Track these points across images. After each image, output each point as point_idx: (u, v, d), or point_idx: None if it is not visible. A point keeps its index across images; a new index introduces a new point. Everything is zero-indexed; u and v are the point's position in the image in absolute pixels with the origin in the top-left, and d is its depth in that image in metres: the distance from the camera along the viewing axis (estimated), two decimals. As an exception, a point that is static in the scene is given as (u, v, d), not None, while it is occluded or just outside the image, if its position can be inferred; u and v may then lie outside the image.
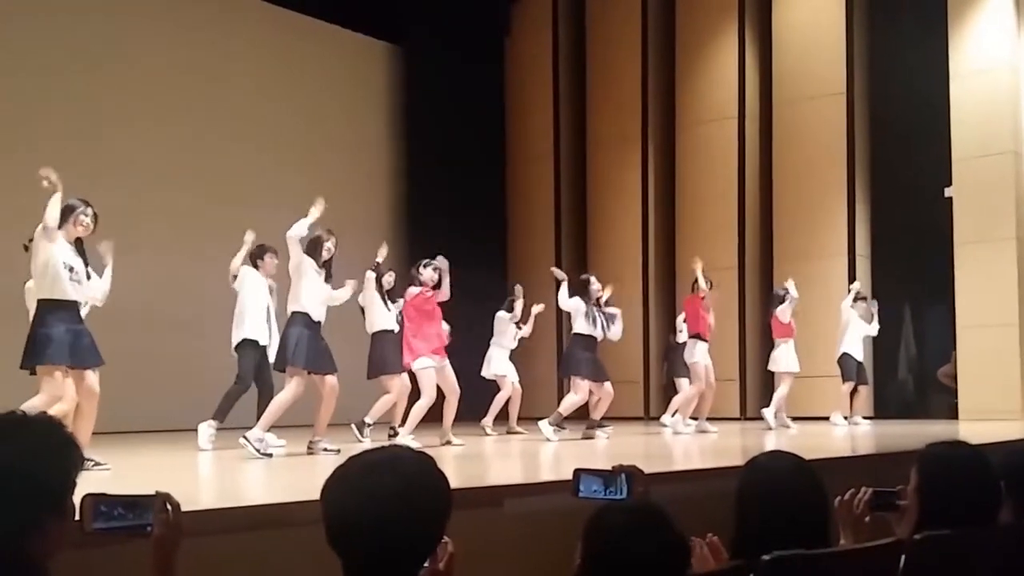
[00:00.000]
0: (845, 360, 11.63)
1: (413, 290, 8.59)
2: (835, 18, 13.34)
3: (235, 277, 8.37)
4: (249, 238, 8.43)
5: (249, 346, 8.29)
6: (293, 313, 7.42)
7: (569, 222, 15.13)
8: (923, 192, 12.85)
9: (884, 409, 13.13)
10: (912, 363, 13.97)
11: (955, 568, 2.65)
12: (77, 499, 1.97)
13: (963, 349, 12.16)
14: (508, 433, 10.36)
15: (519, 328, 10.98)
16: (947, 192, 12.37)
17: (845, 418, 11.54)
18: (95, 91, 11.24)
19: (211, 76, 12.30)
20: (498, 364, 10.77)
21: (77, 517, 2.05)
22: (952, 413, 12.19)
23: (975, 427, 9.99)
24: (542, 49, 15.28)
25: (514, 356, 11.07)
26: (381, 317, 9.12)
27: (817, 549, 2.43)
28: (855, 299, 11.83)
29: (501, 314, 10.87)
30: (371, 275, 9.02)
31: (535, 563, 3.72)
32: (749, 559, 2.36)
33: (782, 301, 11.28)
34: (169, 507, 2.22)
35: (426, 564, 1.97)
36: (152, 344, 10.75)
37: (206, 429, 7.94)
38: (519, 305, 10.84)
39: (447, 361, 8.65)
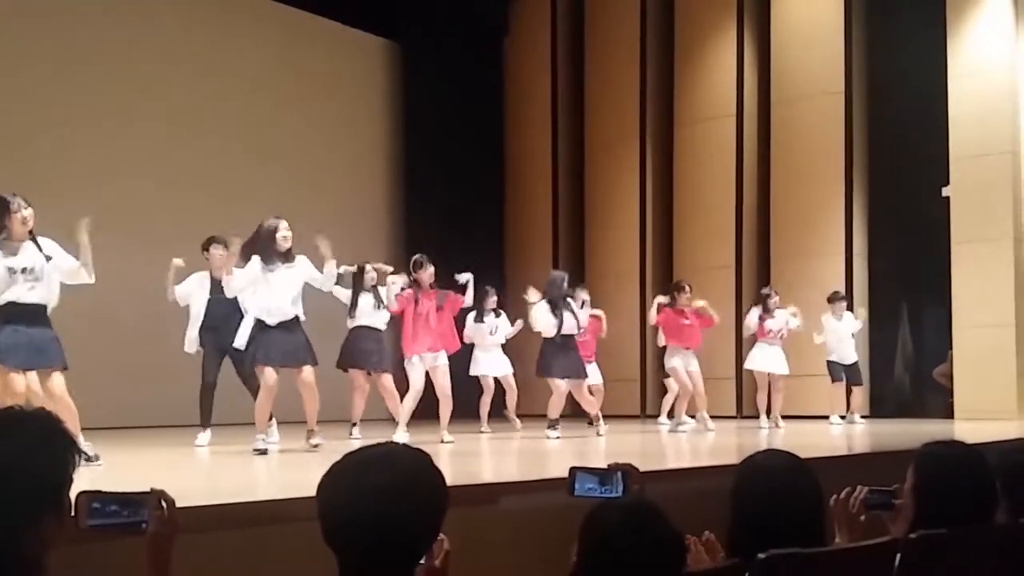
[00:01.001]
0: (829, 365, 11.70)
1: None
2: (834, 17, 13.33)
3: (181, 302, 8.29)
4: (176, 262, 8.15)
5: (203, 355, 8.30)
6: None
7: (567, 221, 15.13)
8: (921, 191, 12.84)
9: (880, 408, 13.14)
10: (908, 362, 13.97)
11: (950, 567, 2.65)
12: (72, 496, 1.97)
13: (959, 349, 12.17)
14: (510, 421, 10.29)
15: (481, 321, 10.72)
16: (944, 192, 12.36)
17: (842, 417, 11.56)
18: (92, 88, 11.22)
19: (207, 72, 12.28)
20: (473, 365, 10.76)
21: (72, 514, 2.04)
22: (948, 412, 12.20)
23: (971, 426, 10.00)
24: (540, 47, 15.27)
25: (509, 352, 11.04)
26: (354, 314, 9.21)
27: (812, 548, 2.43)
28: (832, 299, 11.80)
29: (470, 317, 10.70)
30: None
31: (531, 560, 3.72)
32: (745, 557, 2.37)
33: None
34: (164, 504, 2.22)
35: (422, 561, 1.97)
36: (149, 340, 10.72)
37: (201, 435, 8.02)
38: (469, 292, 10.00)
39: (441, 360, 8.60)
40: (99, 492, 2.19)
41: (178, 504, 2.25)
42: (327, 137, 13.65)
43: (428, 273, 8.64)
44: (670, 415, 11.18)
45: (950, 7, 12.38)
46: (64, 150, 10.84)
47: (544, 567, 2.71)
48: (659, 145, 14.56)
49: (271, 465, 6.65)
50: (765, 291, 11.62)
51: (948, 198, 12.31)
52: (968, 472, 2.79)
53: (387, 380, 8.95)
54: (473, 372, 10.78)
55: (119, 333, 10.53)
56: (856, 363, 11.82)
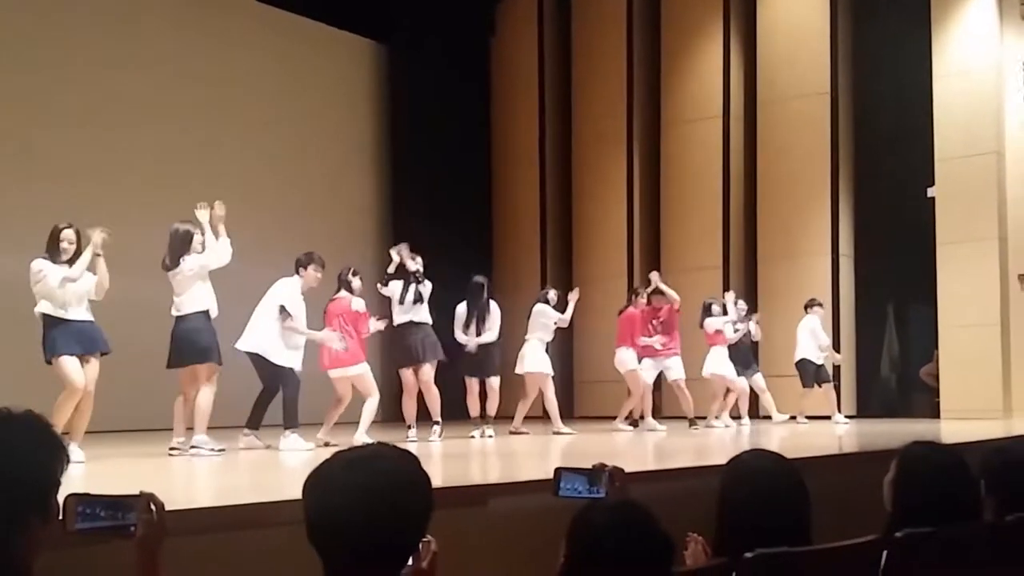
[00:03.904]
0: (803, 365, 11.80)
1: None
2: (820, 18, 13.38)
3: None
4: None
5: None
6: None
7: (554, 221, 15.13)
8: (906, 192, 12.89)
9: (866, 408, 13.19)
10: (895, 362, 14.03)
11: (936, 565, 2.67)
12: (61, 498, 1.96)
13: (945, 349, 12.22)
14: (554, 433, 10.07)
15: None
16: (930, 192, 12.41)
17: (808, 417, 11.70)
18: (83, 88, 11.19)
19: (196, 73, 12.23)
20: (537, 361, 10.31)
21: (60, 517, 2.04)
22: (934, 412, 12.25)
23: (957, 426, 10.05)
24: (527, 48, 15.27)
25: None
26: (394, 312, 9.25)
27: (799, 547, 2.44)
28: (809, 305, 11.94)
29: (542, 307, 10.43)
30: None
31: (519, 562, 3.72)
32: (732, 557, 2.38)
33: (708, 313, 11.50)
34: (153, 507, 2.21)
35: (409, 563, 1.97)
36: (150, 344, 10.67)
37: (291, 439, 7.93)
38: (554, 294, 10.59)
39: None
40: (87, 495, 2.18)
41: (167, 507, 2.25)
42: (315, 137, 13.63)
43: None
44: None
45: (935, 8, 12.44)
46: (57, 152, 10.81)
47: (532, 568, 2.72)
48: (646, 146, 14.58)
49: (259, 468, 6.65)
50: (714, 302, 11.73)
51: (933, 199, 12.36)
52: (948, 473, 2.81)
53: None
54: (528, 369, 10.40)
55: (118, 336, 10.47)
56: (822, 365, 11.94)
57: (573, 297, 10.62)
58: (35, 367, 6.92)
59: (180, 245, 7.52)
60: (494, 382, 10.00)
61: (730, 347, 11.60)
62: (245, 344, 8.15)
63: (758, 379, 11.88)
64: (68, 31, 11.22)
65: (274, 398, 8.22)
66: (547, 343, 10.42)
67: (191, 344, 7.43)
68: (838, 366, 12.48)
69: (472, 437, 9.31)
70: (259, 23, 13.00)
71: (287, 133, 13.19)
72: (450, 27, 14.47)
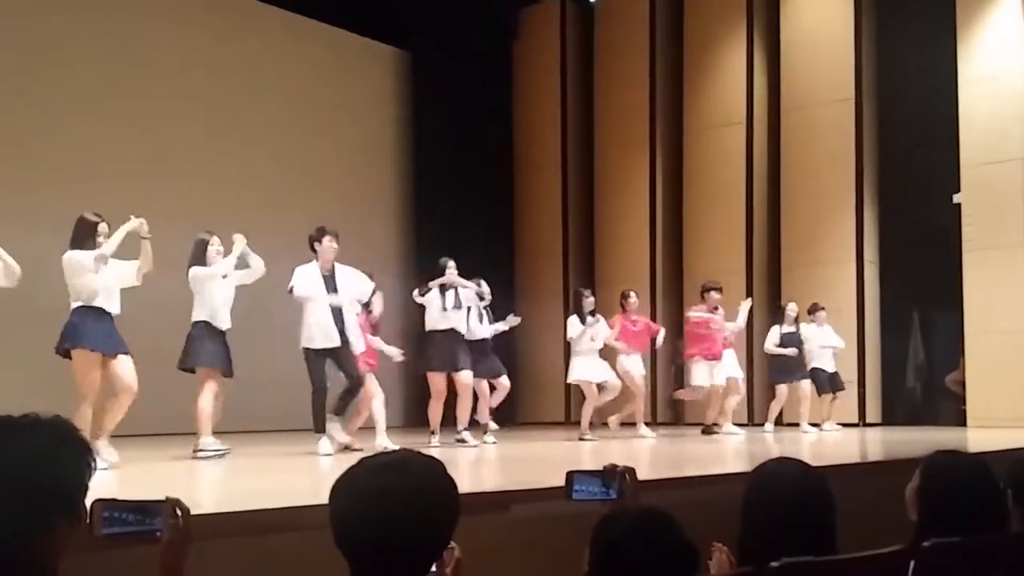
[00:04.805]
0: (815, 374, 11.85)
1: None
2: (844, 23, 13.33)
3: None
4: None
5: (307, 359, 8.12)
6: None
7: (576, 227, 15.13)
8: (931, 198, 12.82)
9: (892, 416, 13.12)
10: (920, 370, 13.95)
11: (963, 575, 2.65)
12: (88, 503, 1.98)
13: (971, 356, 12.14)
14: (579, 439, 10.17)
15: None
16: (955, 198, 12.35)
17: (814, 425, 11.68)
18: (97, 92, 11.27)
19: (216, 79, 12.31)
20: (579, 371, 10.56)
21: (87, 521, 2.05)
22: (960, 420, 12.17)
23: (983, 434, 9.98)
24: (550, 54, 15.29)
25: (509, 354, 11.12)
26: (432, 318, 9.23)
27: (825, 556, 2.43)
28: (813, 310, 11.93)
29: (572, 319, 10.60)
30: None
31: (542, 569, 3.72)
32: (757, 566, 2.36)
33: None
34: (179, 512, 2.22)
35: (433, 569, 1.97)
36: (161, 346, 10.73)
37: (323, 443, 7.90)
38: (591, 301, 10.64)
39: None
40: (114, 500, 2.19)
41: (192, 512, 2.26)
42: (338, 143, 13.68)
43: None
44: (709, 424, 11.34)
45: (960, 13, 12.37)
46: (72, 164, 10.89)
47: (556, 575, 2.72)
48: (669, 151, 14.56)
49: (285, 472, 6.67)
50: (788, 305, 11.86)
51: (959, 205, 12.29)
52: (973, 482, 2.78)
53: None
54: (572, 380, 10.69)
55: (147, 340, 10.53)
56: (834, 373, 11.97)
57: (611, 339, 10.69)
58: (46, 366, 6.95)
59: (195, 254, 7.70)
60: (504, 380, 10.28)
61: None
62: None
63: (804, 385, 11.79)
64: (84, 35, 11.33)
65: (359, 391, 8.21)
66: (598, 350, 10.58)
67: (186, 350, 7.65)
68: (839, 350, 12.30)
69: (485, 442, 9.41)
70: (282, 30, 13.06)
71: (310, 139, 13.24)
72: (473, 32, 14.51)
